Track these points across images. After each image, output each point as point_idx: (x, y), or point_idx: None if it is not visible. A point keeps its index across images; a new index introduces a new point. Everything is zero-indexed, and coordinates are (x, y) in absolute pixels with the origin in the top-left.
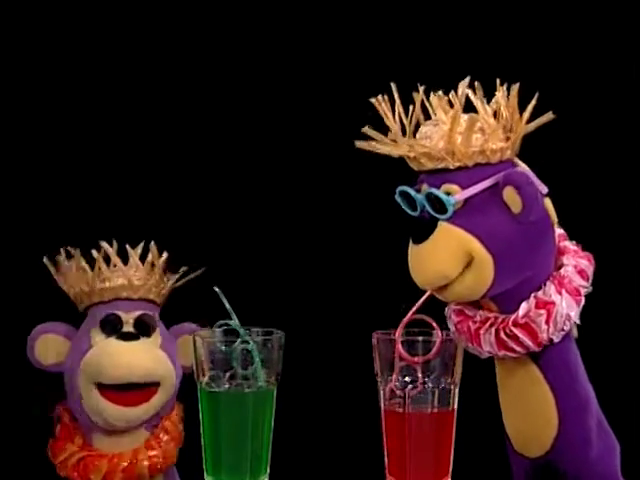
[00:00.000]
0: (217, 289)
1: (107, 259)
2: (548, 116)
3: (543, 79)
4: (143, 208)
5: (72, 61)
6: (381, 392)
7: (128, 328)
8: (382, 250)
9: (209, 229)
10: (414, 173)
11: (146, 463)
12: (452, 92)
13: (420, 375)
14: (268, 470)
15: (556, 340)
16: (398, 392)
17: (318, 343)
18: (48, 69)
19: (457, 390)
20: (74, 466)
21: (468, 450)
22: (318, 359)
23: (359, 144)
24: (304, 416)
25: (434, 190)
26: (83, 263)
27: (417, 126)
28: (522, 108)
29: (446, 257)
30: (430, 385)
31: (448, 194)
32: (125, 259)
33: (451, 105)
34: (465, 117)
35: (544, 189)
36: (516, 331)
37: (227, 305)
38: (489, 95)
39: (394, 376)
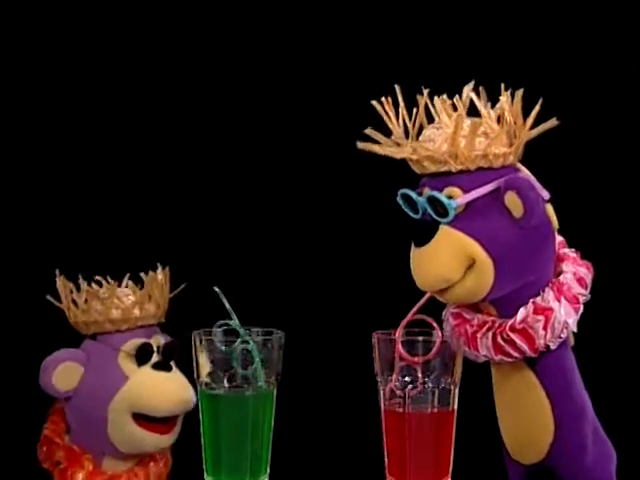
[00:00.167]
0: (217, 289)
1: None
2: (552, 122)
3: (547, 85)
4: (143, 208)
5: (70, 79)
6: (381, 392)
7: (156, 356)
8: (382, 250)
9: (209, 229)
10: (415, 176)
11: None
12: (456, 96)
13: (420, 375)
14: (268, 470)
15: (553, 347)
16: (398, 392)
17: (318, 343)
18: (45, 82)
19: (457, 390)
20: None
21: (468, 450)
22: (318, 359)
23: (361, 145)
24: (304, 416)
25: (436, 193)
26: (100, 294)
27: (420, 130)
28: (526, 114)
29: (447, 260)
30: (430, 385)
31: (450, 197)
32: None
33: (455, 109)
34: (469, 121)
35: (546, 195)
36: (513, 336)
37: (227, 305)
38: (493, 100)
39: (394, 376)
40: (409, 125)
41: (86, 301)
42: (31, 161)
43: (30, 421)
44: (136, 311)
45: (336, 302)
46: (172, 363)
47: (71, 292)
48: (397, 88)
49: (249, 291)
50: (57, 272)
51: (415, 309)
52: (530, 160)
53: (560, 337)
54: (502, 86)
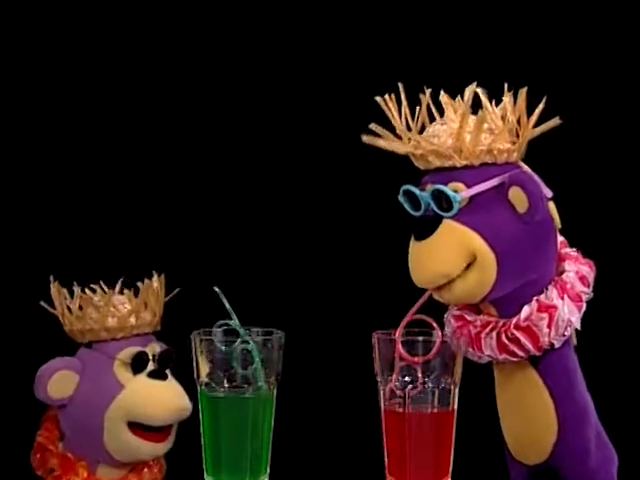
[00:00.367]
0: (217, 289)
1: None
2: (555, 121)
3: (550, 84)
4: (143, 208)
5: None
6: (381, 392)
7: (152, 364)
8: (382, 250)
9: (209, 229)
10: (415, 175)
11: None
12: (461, 94)
13: (420, 375)
14: (268, 470)
15: (557, 345)
16: (398, 392)
17: (318, 343)
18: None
19: (457, 390)
20: None
21: (468, 450)
22: (318, 359)
23: (366, 138)
24: (304, 416)
25: (441, 186)
26: (95, 301)
27: (422, 128)
28: (529, 112)
29: (448, 254)
30: (430, 385)
31: (454, 192)
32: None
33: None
34: (474, 117)
35: (549, 193)
36: (518, 334)
37: (227, 305)
38: (497, 100)
39: (394, 376)
40: (411, 123)
41: (81, 308)
42: (27, 168)
43: (23, 428)
44: (132, 319)
45: (336, 302)
46: (167, 371)
47: (65, 299)
48: (400, 86)
49: (249, 291)
50: (51, 278)
51: (415, 308)
52: (532, 159)
53: (564, 335)
54: (505, 86)
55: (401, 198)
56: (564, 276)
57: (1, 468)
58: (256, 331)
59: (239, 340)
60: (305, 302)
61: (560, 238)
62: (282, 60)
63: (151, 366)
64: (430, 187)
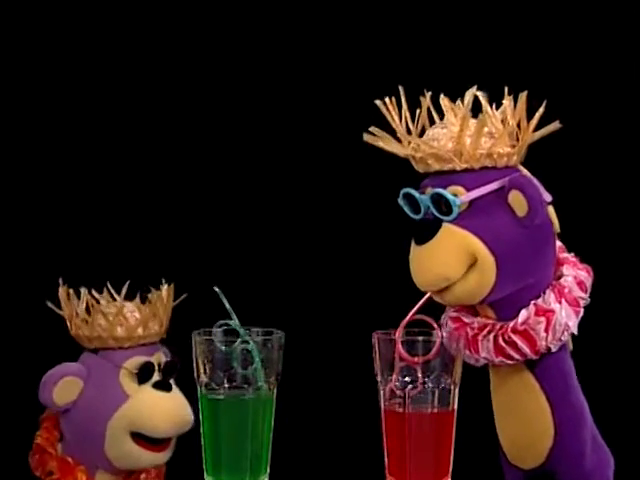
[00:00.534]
0: (217, 289)
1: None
2: (555, 125)
3: (551, 88)
4: (143, 208)
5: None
6: (381, 392)
7: (157, 374)
8: (382, 250)
9: (209, 229)
10: (414, 178)
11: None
12: (461, 98)
13: (420, 375)
14: (268, 470)
15: (554, 349)
16: (398, 392)
17: (318, 343)
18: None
19: (457, 390)
20: None
21: (468, 450)
22: (318, 359)
23: (367, 138)
24: (304, 416)
25: (440, 190)
26: (105, 309)
27: (422, 131)
28: (529, 117)
29: (449, 258)
30: (430, 385)
31: (454, 195)
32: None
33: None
34: (474, 121)
35: (548, 197)
36: (515, 338)
37: (227, 305)
38: (497, 104)
39: (394, 376)
40: (411, 126)
41: (90, 314)
42: (32, 174)
43: (22, 427)
44: (140, 330)
45: (336, 302)
46: (172, 381)
47: (72, 301)
48: (401, 89)
49: (249, 291)
50: (60, 281)
51: (415, 309)
52: (532, 163)
53: (561, 339)
54: (506, 89)
55: (401, 201)
56: (562, 280)
57: (1, 468)
58: (256, 331)
59: (239, 340)
60: (305, 302)
61: (558, 243)
62: (283, 63)
63: (156, 376)
64: (430, 190)
